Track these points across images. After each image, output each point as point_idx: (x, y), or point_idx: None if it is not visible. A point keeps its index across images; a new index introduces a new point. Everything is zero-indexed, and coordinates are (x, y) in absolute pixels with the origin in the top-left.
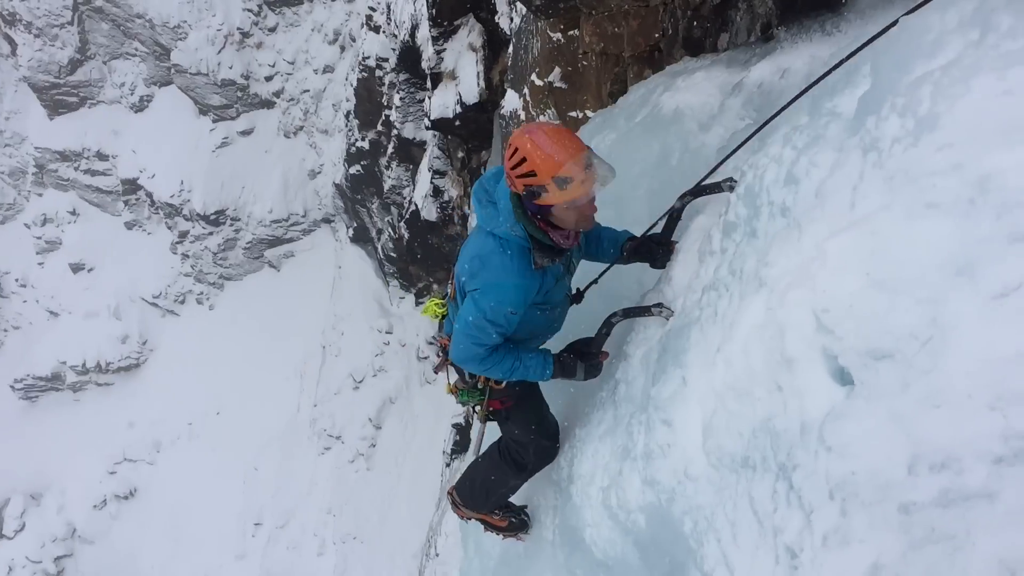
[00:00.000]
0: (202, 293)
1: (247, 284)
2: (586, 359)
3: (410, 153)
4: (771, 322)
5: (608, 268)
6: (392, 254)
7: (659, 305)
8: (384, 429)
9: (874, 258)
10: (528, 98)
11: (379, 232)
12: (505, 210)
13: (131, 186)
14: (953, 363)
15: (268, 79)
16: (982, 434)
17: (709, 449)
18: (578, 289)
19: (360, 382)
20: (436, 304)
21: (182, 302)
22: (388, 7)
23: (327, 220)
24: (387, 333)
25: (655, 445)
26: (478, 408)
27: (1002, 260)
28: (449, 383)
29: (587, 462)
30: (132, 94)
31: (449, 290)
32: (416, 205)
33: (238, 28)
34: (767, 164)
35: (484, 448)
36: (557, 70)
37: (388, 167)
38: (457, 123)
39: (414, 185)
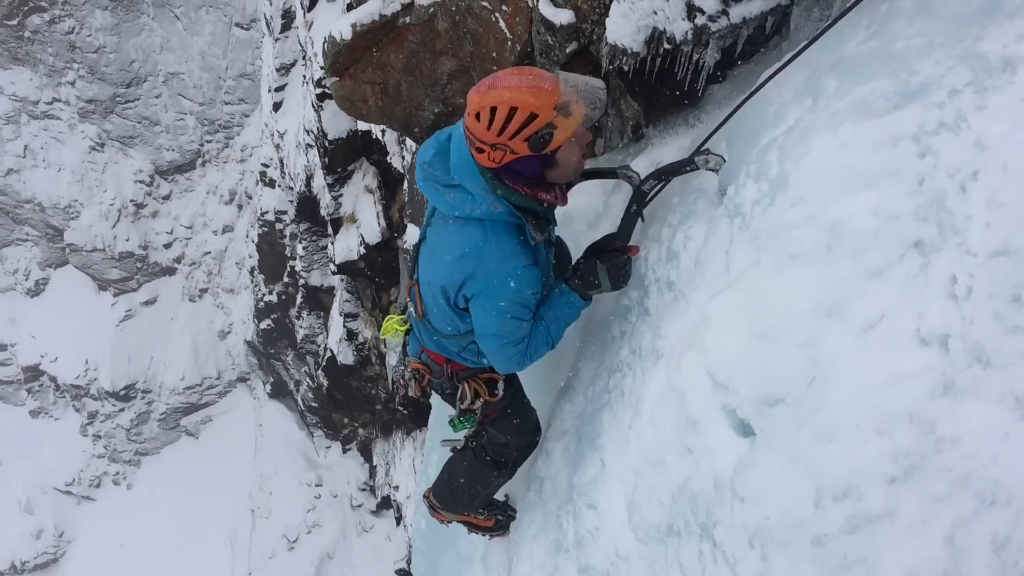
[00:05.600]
0: (118, 473)
1: (165, 457)
2: (607, 258)
3: (319, 300)
4: (671, 389)
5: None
6: (313, 404)
7: (703, 153)
8: None
9: (752, 312)
10: None
11: (297, 384)
12: (479, 188)
13: (33, 373)
14: (837, 397)
15: (167, 246)
16: (874, 458)
17: (635, 524)
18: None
19: (295, 541)
20: (397, 322)
21: (97, 486)
22: (281, 161)
23: (242, 379)
24: (317, 486)
25: (584, 531)
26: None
27: (863, 296)
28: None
29: (523, 565)
30: (27, 279)
31: (414, 308)
32: (332, 351)
33: (131, 200)
34: (649, 244)
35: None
36: None
37: (299, 317)
38: (363, 264)
39: (327, 331)
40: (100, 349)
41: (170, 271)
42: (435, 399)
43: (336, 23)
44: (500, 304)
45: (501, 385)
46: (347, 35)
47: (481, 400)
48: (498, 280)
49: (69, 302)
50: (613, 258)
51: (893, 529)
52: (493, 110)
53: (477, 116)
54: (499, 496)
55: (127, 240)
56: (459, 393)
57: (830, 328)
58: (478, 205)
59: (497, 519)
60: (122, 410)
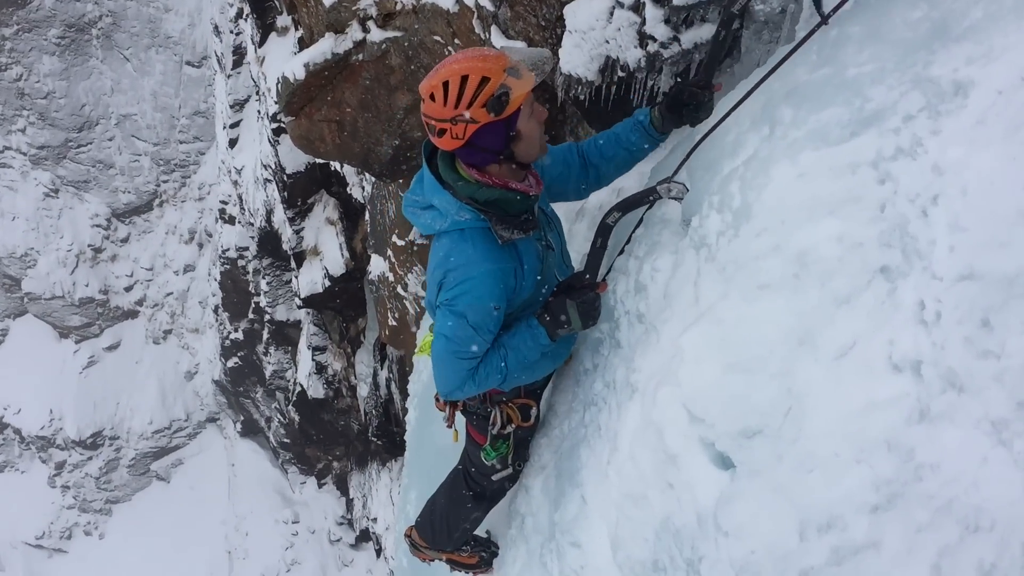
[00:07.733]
0: (89, 523)
1: (137, 504)
2: (576, 295)
3: (286, 335)
4: (648, 423)
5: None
6: (285, 440)
7: (665, 182)
8: None
9: (724, 344)
10: (393, 259)
11: (268, 421)
12: (445, 202)
13: None
14: (814, 427)
15: (128, 289)
16: (855, 487)
17: (620, 562)
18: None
19: None
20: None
21: (69, 537)
22: (240, 198)
23: (212, 419)
24: (294, 523)
25: (569, 570)
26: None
27: (833, 324)
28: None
29: None
30: None
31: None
32: (302, 386)
33: (89, 245)
34: (616, 277)
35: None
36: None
37: (267, 353)
38: (328, 296)
39: (296, 366)
40: (64, 398)
41: (132, 314)
42: (410, 435)
43: (289, 63)
44: (460, 307)
45: (534, 411)
46: (300, 75)
47: (513, 426)
48: (463, 283)
49: (30, 352)
50: (582, 295)
51: (879, 560)
52: (446, 84)
53: (432, 97)
54: (480, 532)
55: (87, 286)
56: (491, 418)
57: (803, 357)
58: (446, 218)
59: (480, 555)
60: (90, 459)
